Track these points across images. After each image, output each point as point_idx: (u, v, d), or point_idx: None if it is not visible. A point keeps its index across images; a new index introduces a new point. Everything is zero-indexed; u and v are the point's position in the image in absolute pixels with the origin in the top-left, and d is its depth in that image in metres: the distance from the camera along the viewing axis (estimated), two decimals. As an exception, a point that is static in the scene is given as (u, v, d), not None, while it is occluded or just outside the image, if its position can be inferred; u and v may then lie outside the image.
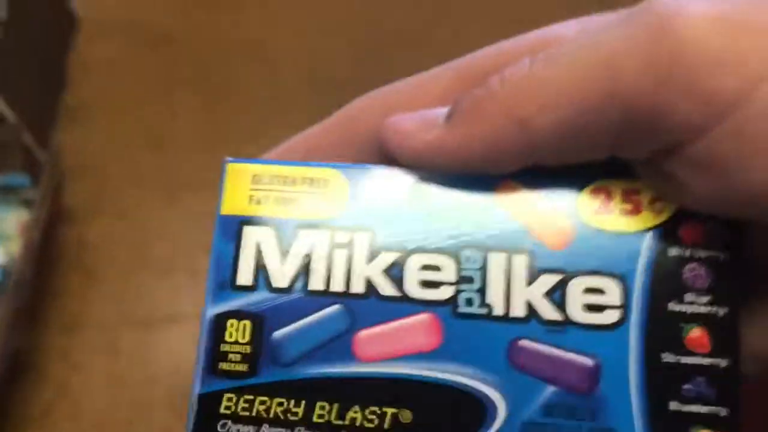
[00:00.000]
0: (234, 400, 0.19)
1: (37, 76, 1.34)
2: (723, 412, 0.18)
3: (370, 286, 0.19)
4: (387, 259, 0.19)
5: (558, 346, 0.18)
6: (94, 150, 1.04)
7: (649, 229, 0.18)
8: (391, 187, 0.19)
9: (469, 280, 0.19)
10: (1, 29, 1.21)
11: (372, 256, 0.19)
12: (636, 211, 0.19)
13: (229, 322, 0.19)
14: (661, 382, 0.18)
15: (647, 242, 0.18)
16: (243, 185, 0.19)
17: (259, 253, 0.19)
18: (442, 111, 0.19)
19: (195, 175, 0.96)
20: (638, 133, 0.17)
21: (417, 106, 0.20)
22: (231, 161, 0.20)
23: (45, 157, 1.24)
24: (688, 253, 0.18)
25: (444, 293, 0.19)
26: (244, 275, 0.19)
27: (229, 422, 0.19)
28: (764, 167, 0.16)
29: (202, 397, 0.19)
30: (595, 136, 0.17)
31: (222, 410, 0.19)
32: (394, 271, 0.19)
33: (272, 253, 0.19)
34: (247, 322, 0.19)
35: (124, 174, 0.98)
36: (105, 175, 1.00)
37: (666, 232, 0.18)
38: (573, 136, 0.17)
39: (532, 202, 0.19)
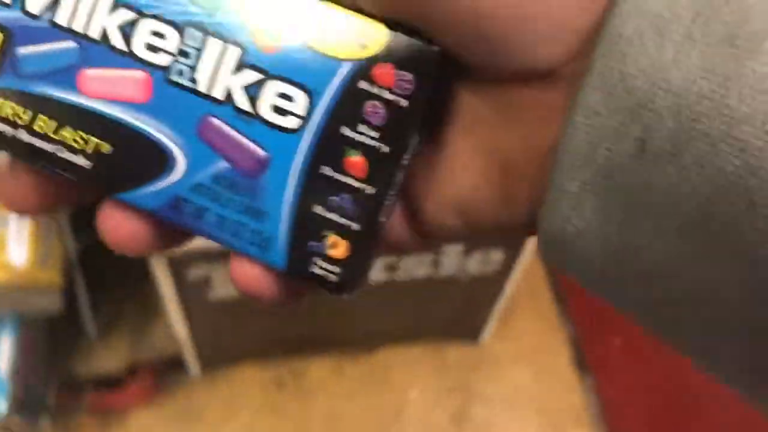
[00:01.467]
0: None
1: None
2: (355, 226, 0.21)
3: (104, 35, 0.21)
4: (124, 16, 0.21)
5: (240, 132, 0.21)
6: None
7: (350, 60, 0.20)
8: None
9: (186, 54, 0.21)
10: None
11: (112, 10, 0.21)
12: (343, 40, 0.20)
13: None
14: (313, 187, 0.21)
15: (344, 70, 0.20)
16: None
17: None
18: None
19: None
20: None
21: None
22: None
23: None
24: (375, 91, 0.20)
25: (162, 59, 0.21)
26: None
27: None
28: None
29: None
30: None
31: None
32: (127, 29, 0.21)
33: None
34: None
35: None
36: None
37: (363, 68, 0.20)
38: None
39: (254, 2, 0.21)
